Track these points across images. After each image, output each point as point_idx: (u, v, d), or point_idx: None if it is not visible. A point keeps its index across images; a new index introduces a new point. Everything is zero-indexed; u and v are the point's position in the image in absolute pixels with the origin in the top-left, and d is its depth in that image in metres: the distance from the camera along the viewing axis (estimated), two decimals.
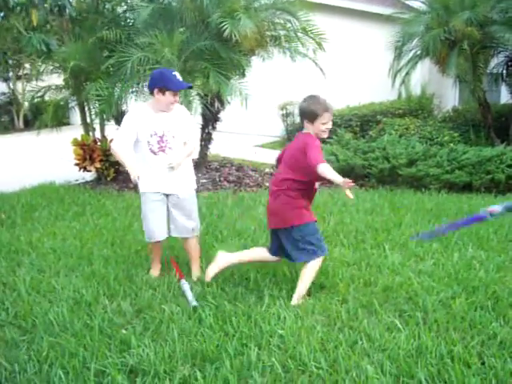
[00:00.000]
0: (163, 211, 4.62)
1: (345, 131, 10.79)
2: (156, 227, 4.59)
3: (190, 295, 4.22)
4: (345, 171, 8.57)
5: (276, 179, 4.23)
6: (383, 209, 6.86)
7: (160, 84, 4.31)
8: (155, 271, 4.80)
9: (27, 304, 4.37)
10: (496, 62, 10.86)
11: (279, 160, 4.36)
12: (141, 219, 4.81)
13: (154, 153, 4.44)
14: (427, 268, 4.77)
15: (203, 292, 4.33)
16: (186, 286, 4.37)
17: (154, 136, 4.41)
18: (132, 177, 4.35)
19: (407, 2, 11.95)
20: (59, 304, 4.27)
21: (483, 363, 3.28)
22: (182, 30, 8.06)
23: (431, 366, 3.23)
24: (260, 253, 4.46)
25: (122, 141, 4.46)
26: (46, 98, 9.69)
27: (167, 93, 4.30)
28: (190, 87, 5.14)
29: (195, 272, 4.74)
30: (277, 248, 4.31)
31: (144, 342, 3.59)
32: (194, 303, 4.10)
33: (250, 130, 14.25)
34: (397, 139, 9.35)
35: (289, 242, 4.14)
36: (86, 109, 9.46)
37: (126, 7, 9.51)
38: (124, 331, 3.78)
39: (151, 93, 4.42)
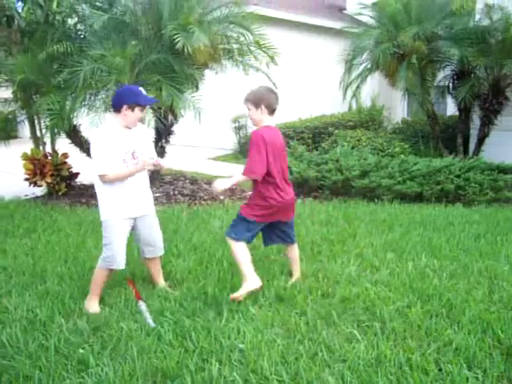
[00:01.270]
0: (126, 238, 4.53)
1: (297, 143, 10.90)
2: (123, 254, 4.44)
3: (147, 315, 4.16)
4: (299, 183, 8.66)
5: (287, 174, 4.46)
6: (338, 220, 6.95)
7: (130, 100, 4.22)
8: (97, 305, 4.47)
9: None
10: (443, 76, 11.18)
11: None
12: (105, 243, 4.43)
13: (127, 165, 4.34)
14: (383, 278, 4.85)
15: (161, 308, 4.28)
16: (143, 306, 4.31)
17: (128, 153, 4.32)
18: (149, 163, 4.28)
19: (356, 17, 12.18)
20: (12, 324, 4.14)
21: (440, 369, 3.36)
22: (134, 42, 8.00)
23: (390, 374, 3.29)
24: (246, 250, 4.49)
25: (109, 166, 4.24)
26: None
27: (136, 109, 4.24)
28: (157, 102, 5.10)
29: (163, 283, 4.81)
30: (273, 237, 4.69)
31: (102, 361, 3.52)
32: (151, 323, 4.04)
33: (203, 142, 14.25)
34: (349, 151, 9.50)
35: (293, 227, 4.73)
36: (36, 122, 9.26)
37: (77, 19, 9.38)
38: (81, 350, 3.69)
39: (117, 110, 4.28)
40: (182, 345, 3.70)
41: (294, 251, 4.83)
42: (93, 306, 4.38)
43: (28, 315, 4.30)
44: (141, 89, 4.37)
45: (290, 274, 4.89)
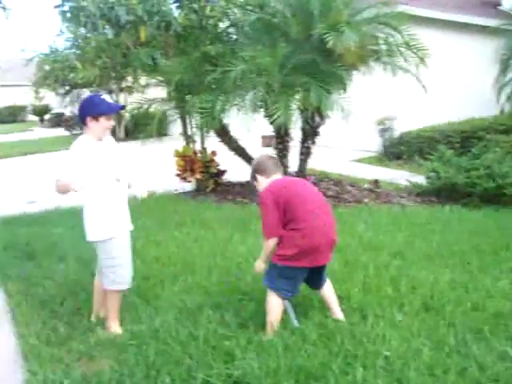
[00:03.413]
0: None
1: (445, 148, 10.47)
2: (130, 272, 4.28)
3: (292, 314, 4.18)
4: (446, 189, 8.33)
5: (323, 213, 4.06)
6: (489, 230, 6.58)
7: (92, 111, 3.99)
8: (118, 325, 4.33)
9: (133, 310, 4.53)
10: None
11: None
12: (114, 268, 4.15)
13: (118, 180, 4.15)
14: None
15: (305, 308, 4.31)
16: (288, 305, 4.33)
17: (111, 163, 4.15)
18: (75, 185, 3.81)
19: None
20: (164, 312, 4.39)
21: None
22: (283, 44, 8.14)
23: None
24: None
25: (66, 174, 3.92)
26: (148, 109, 10.03)
27: (101, 119, 4.00)
28: (123, 108, 4.88)
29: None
30: (319, 280, 4.20)
31: (248, 354, 3.60)
32: (296, 323, 4.07)
33: (347, 144, 14.14)
34: (503, 157, 8.96)
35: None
36: (188, 121, 9.72)
37: (228, 23, 9.74)
38: (228, 342, 3.81)
39: (83, 123, 4.07)
40: (327, 346, 3.69)
41: (329, 289, 4.28)
42: (116, 326, 4.27)
43: (179, 304, 4.52)
44: (104, 97, 4.12)
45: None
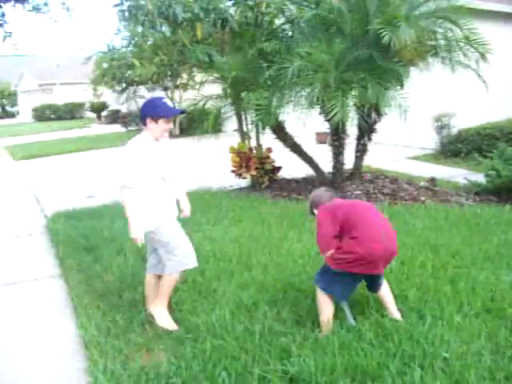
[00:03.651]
0: None
1: (506, 145, 10.17)
2: (192, 250, 4.41)
3: (349, 313, 4.15)
4: (506, 188, 8.09)
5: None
6: None
7: (151, 112, 4.18)
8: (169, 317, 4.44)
9: (189, 304, 4.59)
10: None
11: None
12: (175, 250, 4.28)
13: (165, 180, 4.31)
14: None
15: (362, 307, 4.27)
16: (344, 302, 4.28)
17: (163, 164, 4.31)
18: (136, 236, 4.14)
19: None
20: (220, 307, 4.43)
21: None
22: (339, 40, 8.06)
23: None
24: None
25: (133, 179, 4.13)
26: (204, 106, 10.11)
27: (160, 121, 4.17)
28: (183, 112, 4.93)
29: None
30: (376, 285, 4.15)
31: (304, 351, 3.60)
32: (352, 322, 4.04)
33: (402, 141, 13.92)
34: None
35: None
36: (243, 117, 9.76)
37: (283, 20, 9.72)
38: (284, 339, 3.82)
39: (143, 123, 4.26)
40: (383, 346, 3.65)
41: (385, 289, 4.21)
42: (167, 321, 4.36)
43: (234, 299, 4.56)
44: (165, 101, 4.30)
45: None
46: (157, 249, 4.35)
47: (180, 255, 4.28)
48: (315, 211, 4.16)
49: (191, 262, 4.37)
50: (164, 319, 4.36)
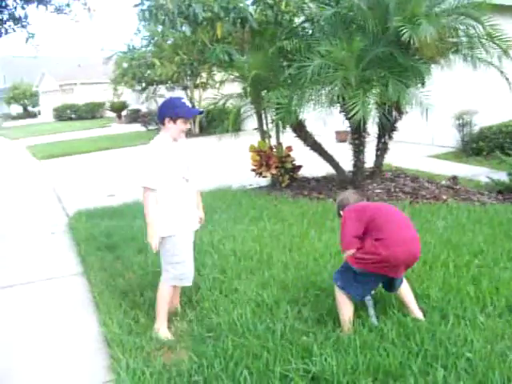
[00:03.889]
0: None
1: None
2: (193, 269, 4.38)
3: (372, 311, 4.13)
4: None
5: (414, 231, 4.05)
6: None
7: (170, 113, 4.15)
8: (166, 328, 4.34)
9: (211, 303, 4.60)
10: None
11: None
12: (177, 265, 4.24)
13: (187, 180, 4.26)
14: None
15: (384, 306, 4.24)
16: (370, 302, 4.25)
17: (183, 164, 4.27)
18: (151, 241, 4.10)
19: None
20: (242, 305, 4.44)
21: None
22: (359, 38, 8.02)
23: None
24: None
25: (154, 180, 4.08)
26: (223, 105, 10.12)
27: (178, 121, 4.15)
28: (201, 113, 4.89)
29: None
30: (392, 287, 4.14)
31: (326, 350, 3.59)
32: (375, 321, 4.02)
33: (423, 139, 13.82)
34: None
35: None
36: (263, 116, 9.76)
37: (303, 18, 9.71)
38: (305, 338, 3.81)
39: (161, 123, 4.23)
40: (406, 345, 3.62)
41: (406, 288, 4.18)
42: (164, 331, 4.27)
43: (256, 298, 4.56)
44: (184, 101, 4.26)
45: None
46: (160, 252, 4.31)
47: (179, 271, 4.25)
48: (341, 213, 4.15)
49: (186, 282, 4.35)
50: (163, 332, 4.28)
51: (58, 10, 9.47)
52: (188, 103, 4.29)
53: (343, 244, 3.95)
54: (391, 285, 4.10)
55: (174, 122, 4.15)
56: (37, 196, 11.12)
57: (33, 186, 12.49)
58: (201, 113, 4.81)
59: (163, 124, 4.20)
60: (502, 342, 3.66)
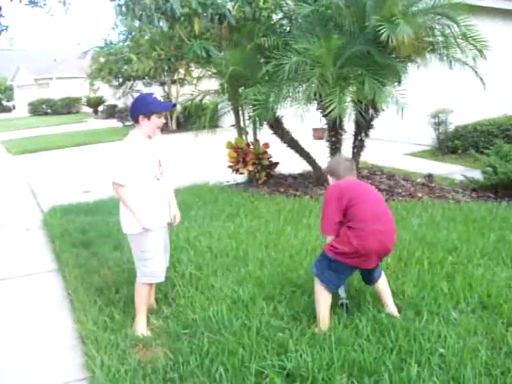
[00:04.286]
0: None
1: (503, 142, 10.17)
2: (163, 265, 4.34)
3: (342, 292, 4.18)
4: (503, 184, 8.11)
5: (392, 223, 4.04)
6: None
7: (143, 109, 4.12)
8: (145, 325, 4.32)
9: (187, 299, 4.59)
10: None
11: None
12: (147, 261, 4.23)
13: (158, 179, 4.23)
14: None
15: (358, 302, 4.27)
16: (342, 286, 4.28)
17: (155, 162, 4.24)
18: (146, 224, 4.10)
19: None
20: (217, 302, 4.43)
21: None
22: (337, 36, 8.05)
23: None
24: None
25: (127, 177, 4.07)
26: (200, 101, 10.09)
27: (152, 117, 4.12)
28: (174, 105, 4.85)
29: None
30: (371, 278, 4.18)
31: (301, 347, 3.60)
32: (345, 300, 4.09)
33: (399, 137, 13.94)
34: None
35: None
36: (240, 113, 9.75)
37: (281, 15, 9.71)
38: (281, 334, 3.83)
39: (135, 121, 4.19)
40: (380, 341, 3.66)
41: (384, 283, 4.21)
42: (142, 328, 4.24)
43: (231, 295, 4.56)
44: (155, 96, 4.25)
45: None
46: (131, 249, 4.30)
47: (149, 268, 4.22)
48: (328, 177, 4.17)
49: (159, 278, 4.31)
50: (140, 328, 4.25)
51: (33, 2, 9.35)
52: (159, 97, 4.27)
53: (323, 226, 3.93)
54: (369, 275, 4.13)
55: (149, 118, 4.12)
56: (11, 192, 10.98)
57: (7, 182, 12.32)
58: (174, 106, 4.77)
59: (137, 122, 4.17)
60: (475, 338, 3.72)
